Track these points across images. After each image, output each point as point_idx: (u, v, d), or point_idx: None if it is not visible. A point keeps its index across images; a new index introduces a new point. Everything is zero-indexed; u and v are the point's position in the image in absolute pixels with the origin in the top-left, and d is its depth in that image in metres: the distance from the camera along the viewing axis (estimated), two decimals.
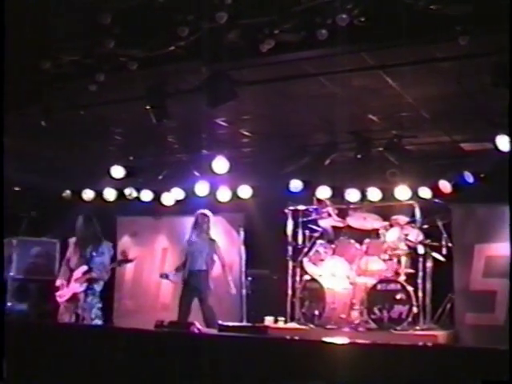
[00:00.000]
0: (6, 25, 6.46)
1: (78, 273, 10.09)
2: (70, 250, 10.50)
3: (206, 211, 11.13)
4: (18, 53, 7.09)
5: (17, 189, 12.92)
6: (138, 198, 12.58)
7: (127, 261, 11.22)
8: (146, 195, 12.58)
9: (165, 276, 11.41)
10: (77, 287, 10.03)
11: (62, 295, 10.15)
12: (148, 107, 7.67)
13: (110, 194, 12.64)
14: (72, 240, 10.55)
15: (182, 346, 7.92)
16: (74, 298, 10.05)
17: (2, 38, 6.19)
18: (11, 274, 11.73)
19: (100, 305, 10.22)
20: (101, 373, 8.05)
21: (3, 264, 6.55)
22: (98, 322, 10.11)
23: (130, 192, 12.46)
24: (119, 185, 12.34)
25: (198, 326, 8.58)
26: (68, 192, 13.08)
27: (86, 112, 8.78)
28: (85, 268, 10.09)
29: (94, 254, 10.17)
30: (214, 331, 8.97)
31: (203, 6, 6.12)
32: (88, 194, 12.86)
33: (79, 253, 10.27)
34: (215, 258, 10.94)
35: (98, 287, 10.19)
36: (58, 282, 10.34)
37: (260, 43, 6.24)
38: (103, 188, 12.60)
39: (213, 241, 11.04)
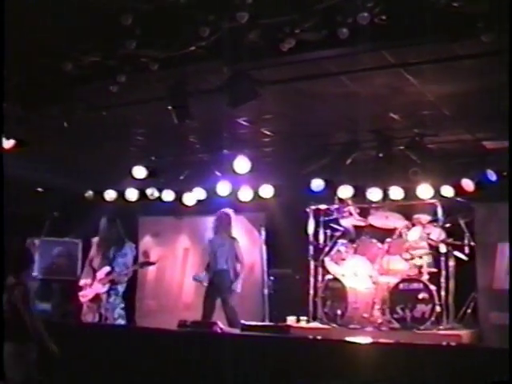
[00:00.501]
0: (27, 27, 6.53)
1: (101, 273, 10.15)
2: (93, 251, 10.56)
3: (228, 210, 11.15)
4: (40, 55, 7.15)
5: (39, 190, 13.00)
6: (159, 198, 12.61)
7: (149, 263, 11.26)
8: (168, 195, 12.60)
9: (198, 278, 11.40)
10: (100, 287, 10.09)
11: (85, 295, 10.22)
12: (170, 107, 7.68)
13: (131, 194, 12.68)
14: (95, 240, 10.61)
15: (205, 346, 7.95)
16: (96, 298, 10.11)
17: (3, 38, 6.23)
18: (34, 274, 11.79)
19: (123, 305, 10.29)
20: (123, 372, 8.09)
21: (3, 263, 6.57)
22: (121, 321, 10.18)
23: (151, 192, 12.49)
24: (141, 185, 12.38)
25: (221, 325, 8.61)
26: (90, 192, 13.14)
27: (108, 113, 8.81)
28: (108, 269, 10.15)
29: (117, 254, 10.24)
30: (236, 331, 8.99)
31: (224, 6, 6.12)
32: (110, 195, 12.91)
33: (102, 253, 10.33)
34: (238, 256, 10.96)
35: (120, 287, 10.25)
36: (81, 282, 10.42)
37: (281, 42, 6.22)
38: (125, 188, 12.65)
39: (233, 239, 11.06)
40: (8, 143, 9.44)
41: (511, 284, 9.75)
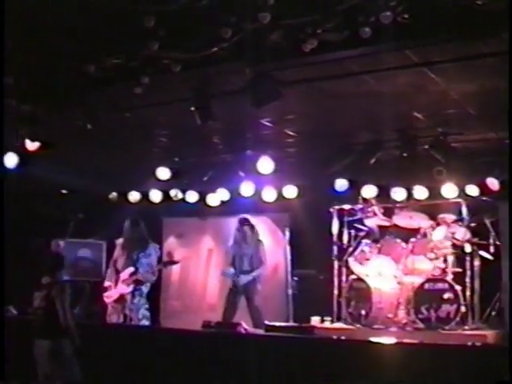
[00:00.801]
0: (51, 30, 6.57)
1: (125, 274, 10.18)
2: (117, 252, 10.61)
3: (247, 216, 11.18)
4: (64, 57, 7.19)
5: (64, 191, 13.08)
6: (183, 199, 12.65)
7: (173, 262, 11.29)
8: (192, 196, 12.63)
9: (226, 273, 11.39)
10: (124, 288, 10.13)
11: (110, 296, 10.26)
12: (193, 108, 7.70)
13: (155, 195, 12.73)
14: (119, 241, 10.66)
15: (229, 346, 7.97)
16: (121, 298, 10.15)
17: (2, 39, 6.27)
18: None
19: (147, 305, 10.32)
20: (148, 372, 8.13)
21: (4, 265, 6.66)
22: (146, 322, 10.20)
23: (175, 193, 12.53)
24: (165, 186, 12.42)
25: (245, 326, 8.62)
26: (114, 194, 13.21)
27: (131, 114, 8.86)
28: (132, 269, 10.19)
29: (141, 255, 10.27)
30: (260, 331, 8.99)
31: (246, 7, 6.13)
32: (134, 196, 12.97)
33: (126, 254, 10.37)
34: (262, 258, 10.98)
35: (145, 288, 10.28)
36: (106, 283, 10.46)
37: (303, 43, 6.22)
38: (149, 189, 12.70)
39: (259, 241, 11.08)
40: (33, 145, 9.51)
41: (511, 284, 9.72)
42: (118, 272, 10.35)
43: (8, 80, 7.47)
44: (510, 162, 8.28)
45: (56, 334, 6.88)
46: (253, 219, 11.25)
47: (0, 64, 6.11)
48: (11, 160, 10.12)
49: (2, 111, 6.34)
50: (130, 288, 10.11)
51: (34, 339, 7.16)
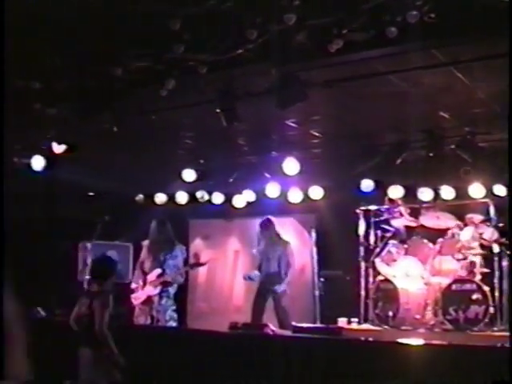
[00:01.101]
0: (78, 33, 6.61)
1: (152, 276, 10.22)
2: (144, 253, 10.65)
3: (270, 217, 11.19)
4: (90, 61, 7.24)
5: (91, 194, 13.16)
6: (209, 201, 12.69)
7: (199, 264, 11.31)
8: (218, 198, 12.67)
9: (249, 277, 11.44)
10: (151, 290, 10.17)
11: (137, 298, 10.30)
12: (218, 110, 7.71)
13: (181, 197, 12.78)
14: (145, 243, 10.70)
15: (257, 348, 7.96)
16: (148, 300, 10.19)
17: (3, 39, 6.30)
18: (87, 277, 11.91)
19: (174, 307, 10.35)
20: (175, 373, 8.14)
21: (4, 262, 6.68)
22: (173, 323, 10.24)
23: (201, 195, 12.57)
24: (191, 188, 12.47)
25: (272, 327, 8.60)
26: (141, 196, 13.29)
27: (157, 117, 8.89)
28: (159, 271, 10.22)
29: (168, 257, 10.30)
30: (287, 332, 8.98)
31: (271, 8, 6.13)
32: (160, 198, 13.03)
33: (153, 256, 10.41)
34: (290, 260, 10.99)
35: (172, 290, 10.31)
36: (133, 285, 10.50)
37: (328, 43, 6.20)
38: (175, 191, 12.75)
39: (285, 242, 11.09)
40: (59, 148, 9.59)
41: (511, 284, 9.63)
42: (144, 274, 10.39)
43: (34, 84, 7.53)
44: (510, 162, 8.23)
45: (96, 342, 6.89)
46: (278, 220, 11.25)
47: (0, 64, 6.15)
48: (38, 163, 10.22)
49: (2, 111, 6.39)
50: (157, 290, 10.15)
51: (79, 347, 7.19)
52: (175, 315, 10.34)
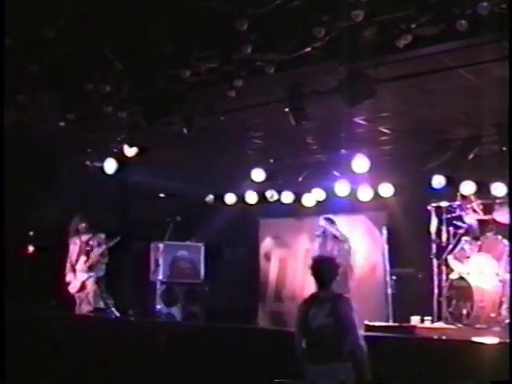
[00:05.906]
0: (148, 36, 6.71)
1: None
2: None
3: (329, 216, 11.15)
4: (159, 64, 7.33)
5: (162, 195, 13.33)
6: (279, 200, 12.71)
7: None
8: (287, 197, 12.68)
9: None
10: None
11: None
12: (287, 109, 7.72)
13: (251, 197, 12.83)
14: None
15: None
16: None
17: (3, 39, 6.38)
18: (159, 277, 12.08)
19: None
20: (249, 368, 8.17)
21: (4, 261, 6.81)
22: None
23: (271, 194, 12.61)
24: (260, 188, 12.51)
25: None
26: (211, 196, 13.39)
27: (226, 117, 8.95)
28: None
29: None
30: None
31: (338, 6, 6.11)
32: (230, 198, 13.11)
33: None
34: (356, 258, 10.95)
35: None
36: None
37: (397, 39, 6.15)
38: (245, 191, 12.82)
39: (344, 240, 11.03)
40: (131, 151, 9.73)
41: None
42: None
43: (105, 88, 7.66)
44: (510, 163, 8.03)
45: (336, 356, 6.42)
46: (348, 218, 11.19)
47: (0, 64, 6.27)
48: (110, 166, 10.39)
49: (3, 104, 6.54)
50: None
51: None
52: None
